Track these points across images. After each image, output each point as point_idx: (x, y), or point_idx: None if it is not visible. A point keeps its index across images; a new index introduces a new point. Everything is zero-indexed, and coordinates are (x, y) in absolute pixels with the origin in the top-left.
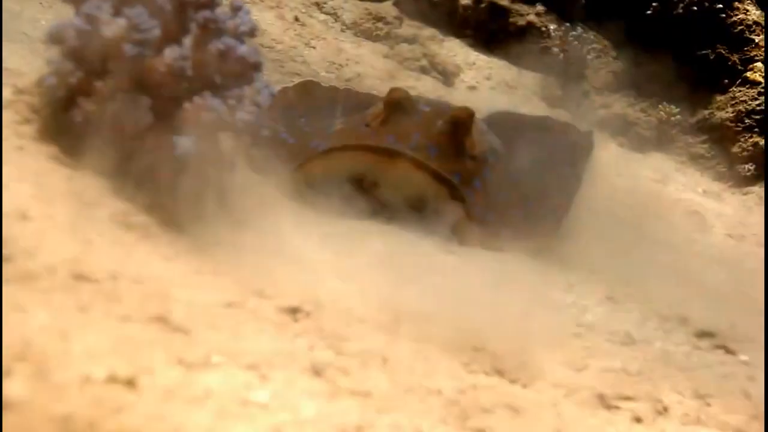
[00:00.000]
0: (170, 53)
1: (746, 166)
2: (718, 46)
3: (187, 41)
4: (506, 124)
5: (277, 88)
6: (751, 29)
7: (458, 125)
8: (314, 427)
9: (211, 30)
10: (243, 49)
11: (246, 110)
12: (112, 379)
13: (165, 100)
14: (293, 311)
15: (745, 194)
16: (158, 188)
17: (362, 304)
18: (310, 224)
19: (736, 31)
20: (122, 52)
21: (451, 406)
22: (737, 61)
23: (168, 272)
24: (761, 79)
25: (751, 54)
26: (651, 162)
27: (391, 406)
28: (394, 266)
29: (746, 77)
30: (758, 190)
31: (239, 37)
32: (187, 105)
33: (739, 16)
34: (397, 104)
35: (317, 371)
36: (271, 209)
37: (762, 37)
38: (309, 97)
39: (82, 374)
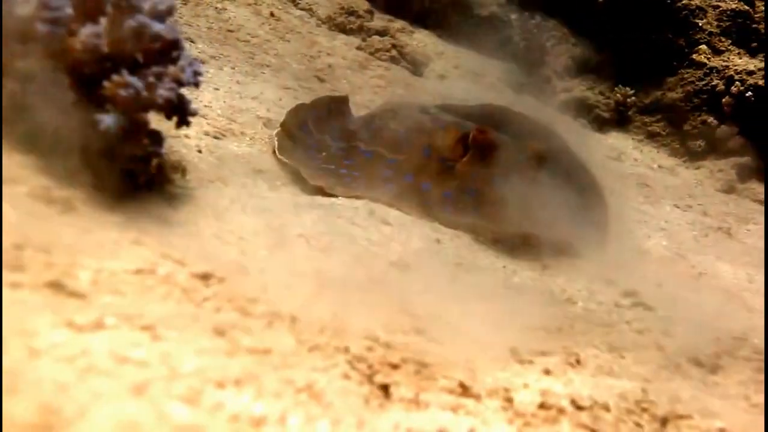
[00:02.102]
0: (85, 31)
1: (697, 142)
2: (665, 30)
3: (103, 20)
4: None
5: (249, 79)
6: (695, 14)
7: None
8: (187, 381)
9: (125, 9)
10: (159, 27)
11: (166, 87)
12: None
13: (85, 78)
14: (205, 277)
15: (697, 168)
16: (87, 164)
17: (287, 273)
18: (251, 199)
19: (681, 16)
20: (36, 31)
21: (357, 362)
22: (683, 44)
23: (82, 242)
24: (706, 61)
25: (696, 37)
26: (610, 141)
27: (289, 363)
28: (325, 238)
29: (693, 59)
30: (708, 164)
31: (157, 15)
32: (105, 83)
33: (683, 2)
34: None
35: (219, 331)
36: (215, 185)
37: (706, 21)
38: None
39: None
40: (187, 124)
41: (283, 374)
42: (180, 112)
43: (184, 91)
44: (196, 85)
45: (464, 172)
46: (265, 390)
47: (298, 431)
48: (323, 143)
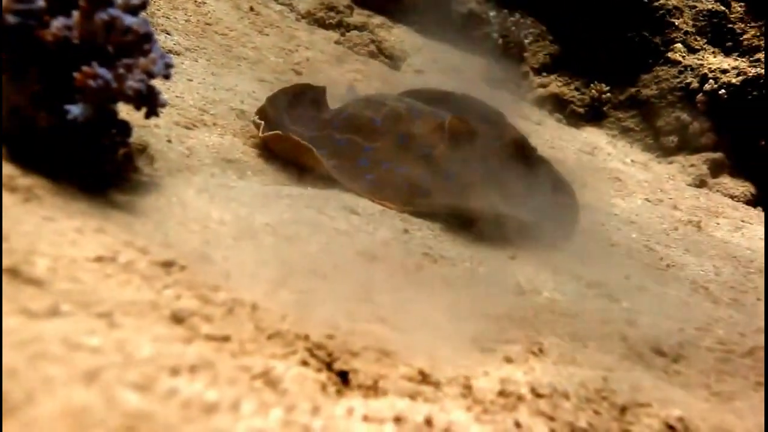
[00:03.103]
0: (56, 23)
1: (670, 138)
2: (642, 29)
3: (75, 13)
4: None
5: (225, 71)
6: (672, 13)
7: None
8: (140, 368)
9: (98, 2)
10: (131, 20)
11: (135, 79)
12: None
13: (56, 69)
14: (167, 265)
15: (670, 163)
16: (54, 153)
17: (252, 261)
18: (219, 189)
19: (658, 15)
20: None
21: (316, 349)
22: (659, 42)
23: (43, 230)
24: (681, 59)
25: (672, 36)
26: (585, 136)
27: (247, 350)
28: (292, 227)
29: (668, 57)
30: (681, 159)
31: (130, 9)
32: (75, 74)
33: (660, 1)
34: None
35: (178, 319)
36: (183, 175)
37: (682, 20)
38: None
39: None
40: (156, 114)
41: (241, 361)
42: (149, 103)
43: (157, 82)
44: (167, 77)
45: (442, 158)
46: (220, 377)
47: (250, 418)
48: (296, 133)
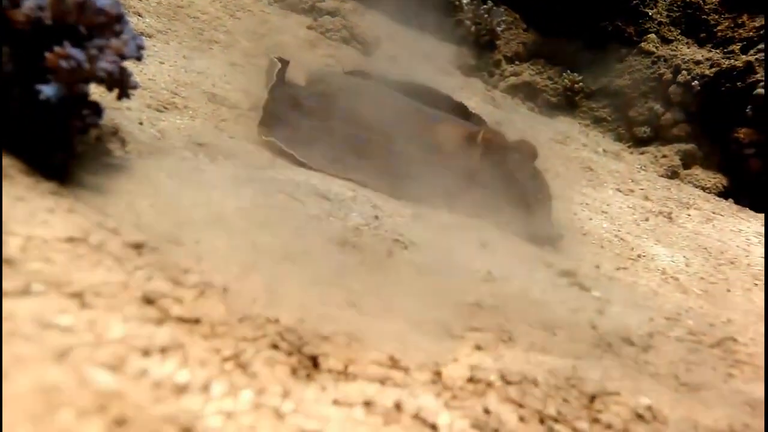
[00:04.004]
0: (28, 3)
1: (642, 128)
2: (615, 18)
3: None
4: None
5: (196, 54)
6: (646, 3)
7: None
8: (112, 348)
9: None
10: (103, 2)
11: (108, 60)
12: None
13: (28, 49)
14: (138, 246)
15: (642, 153)
16: (26, 134)
17: (223, 245)
18: (191, 172)
19: (632, 5)
20: None
21: (287, 333)
22: (633, 32)
23: (15, 210)
24: (654, 49)
25: (646, 26)
26: (557, 125)
27: (218, 333)
28: (264, 212)
29: (641, 48)
30: (653, 150)
31: None
32: (47, 54)
33: None
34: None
35: (149, 300)
36: (154, 157)
37: (656, 10)
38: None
39: None
40: (128, 96)
41: (211, 343)
42: (121, 84)
43: (129, 64)
44: (139, 58)
45: (474, 168)
46: (191, 358)
47: (220, 400)
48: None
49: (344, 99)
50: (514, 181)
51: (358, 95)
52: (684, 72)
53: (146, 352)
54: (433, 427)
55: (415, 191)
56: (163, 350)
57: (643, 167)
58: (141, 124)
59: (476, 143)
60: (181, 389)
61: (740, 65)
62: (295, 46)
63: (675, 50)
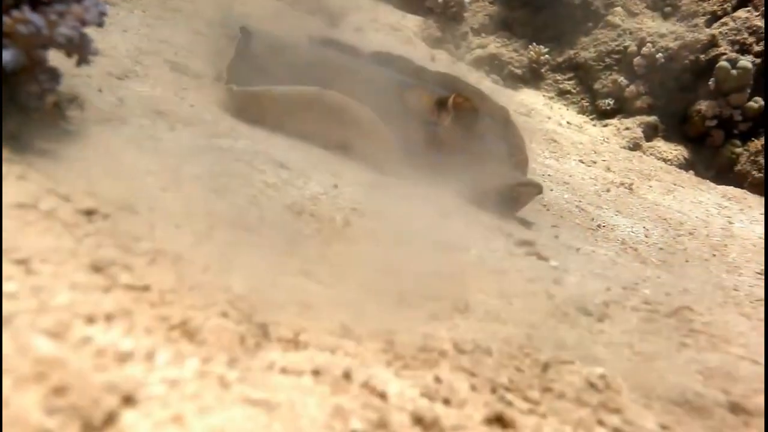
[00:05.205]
0: None
1: (606, 101)
2: None
3: None
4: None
5: (160, 23)
6: None
7: None
8: (55, 315)
9: None
10: None
11: (67, 25)
12: None
13: None
14: (89, 213)
15: (605, 126)
16: None
17: (178, 212)
18: (148, 139)
19: None
20: None
21: (238, 301)
22: (600, 6)
23: None
24: (620, 22)
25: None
26: (522, 97)
27: (167, 300)
28: (221, 179)
29: (607, 20)
30: (616, 122)
31: None
32: (5, 18)
33: None
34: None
35: (97, 268)
36: (112, 125)
37: None
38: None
39: None
40: (87, 62)
41: (159, 311)
42: (80, 50)
43: (91, 31)
44: (100, 25)
45: (444, 134)
46: (136, 326)
47: (165, 367)
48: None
49: (311, 67)
50: (484, 147)
51: (325, 63)
52: (649, 44)
53: (91, 320)
54: (382, 395)
55: (381, 159)
56: (108, 318)
57: (606, 139)
58: (100, 91)
59: (447, 109)
60: (125, 357)
61: (704, 38)
62: (261, 16)
63: (640, 23)
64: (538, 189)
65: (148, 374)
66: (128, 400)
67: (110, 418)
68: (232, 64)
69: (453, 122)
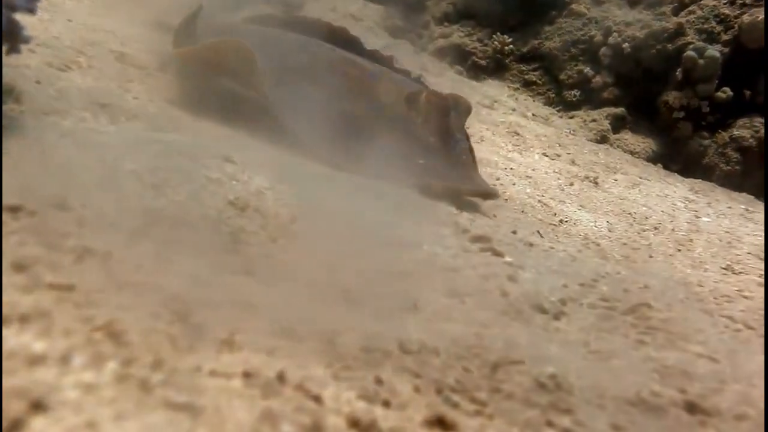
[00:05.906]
0: None
1: (572, 92)
2: None
3: None
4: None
5: (108, 13)
6: None
7: None
8: None
9: None
10: None
11: None
12: None
13: None
14: (15, 210)
15: (571, 117)
16: None
17: (112, 209)
18: (87, 133)
19: None
20: None
21: (172, 301)
22: None
23: None
24: (586, 11)
25: None
26: (486, 89)
27: (93, 301)
28: (161, 174)
29: (572, 9)
30: (582, 114)
31: None
32: None
33: None
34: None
35: (19, 267)
36: (49, 118)
37: None
38: None
39: None
40: (18, 51)
41: (83, 312)
42: (10, 38)
43: (33, 21)
44: (31, 11)
45: (412, 130)
46: (54, 328)
47: (80, 371)
48: None
49: (270, 50)
50: (445, 143)
51: (287, 47)
52: (615, 34)
53: (3, 321)
54: (317, 398)
55: (338, 152)
56: (23, 319)
57: (572, 131)
58: (39, 83)
59: (418, 104)
60: (36, 360)
61: (671, 27)
62: (218, 7)
63: (606, 12)
64: (491, 197)
65: (62, 378)
66: (38, 406)
67: (16, 426)
68: (179, 31)
69: (425, 120)
